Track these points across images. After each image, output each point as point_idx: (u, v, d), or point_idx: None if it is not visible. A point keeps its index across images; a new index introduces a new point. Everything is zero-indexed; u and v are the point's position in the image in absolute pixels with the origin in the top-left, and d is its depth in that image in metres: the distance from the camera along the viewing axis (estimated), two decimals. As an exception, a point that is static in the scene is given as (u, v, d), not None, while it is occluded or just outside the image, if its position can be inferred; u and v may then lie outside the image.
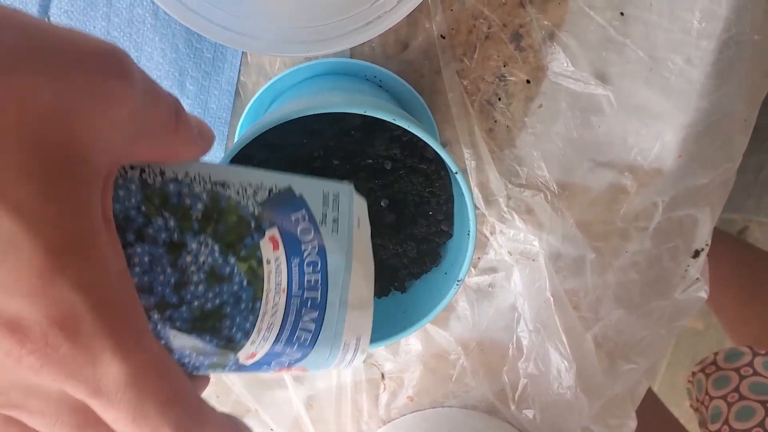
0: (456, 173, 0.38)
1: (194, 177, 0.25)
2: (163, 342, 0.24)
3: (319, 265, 0.28)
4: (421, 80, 0.49)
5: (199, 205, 0.25)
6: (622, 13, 0.47)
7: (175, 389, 0.22)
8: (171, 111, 0.24)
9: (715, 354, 0.87)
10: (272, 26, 0.38)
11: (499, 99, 0.49)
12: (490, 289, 0.54)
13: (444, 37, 0.47)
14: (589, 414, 0.57)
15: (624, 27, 0.47)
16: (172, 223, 0.24)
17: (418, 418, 0.59)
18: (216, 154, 0.49)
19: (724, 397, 0.82)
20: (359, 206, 0.31)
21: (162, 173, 0.25)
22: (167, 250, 0.24)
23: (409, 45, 0.48)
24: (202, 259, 0.25)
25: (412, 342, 0.56)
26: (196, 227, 0.25)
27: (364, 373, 0.58)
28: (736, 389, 0.81)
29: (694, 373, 0.89)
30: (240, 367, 0.27)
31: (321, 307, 0.28)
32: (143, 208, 0.24)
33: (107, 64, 0.20)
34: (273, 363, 0.28)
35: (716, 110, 0.49)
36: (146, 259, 0.24)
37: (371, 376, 0.58)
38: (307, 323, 0.28)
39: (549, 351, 0.55)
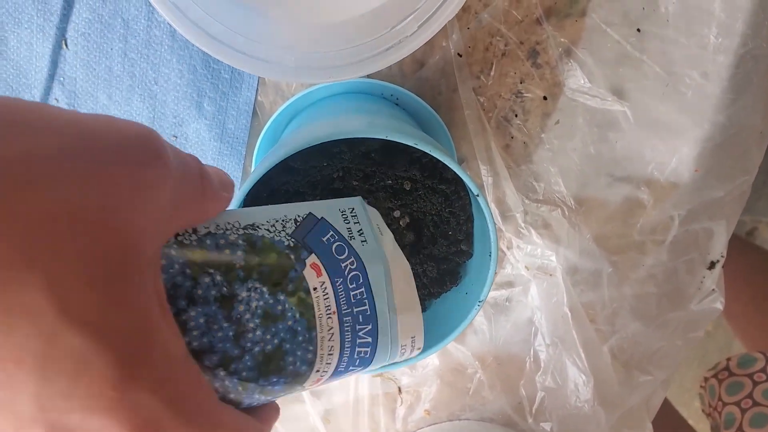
0: (477, 195, 0.38)
1: (225, 226, 0.26)
2: (232, 396, 0.25)
3: (361, 278, 0.29)
4: (438, 97, 0.49)
5: (239, 252, 0.25)
6: (638, 30, 0.47)
7: None
8: (197, 175, 0.24)
9: (728, 359, 0.87)
10: (292, 52, 0.38)
11: (516, 115, 0.49)
12: (507, 303, 0.54)
13: (461, 55, 0.47)
14: (606, 426, 0.57)
15: (641, 43, 0.47)
16: (218, 277, 0.24)
17: (435, 431, 0.59)
18: (234, 174, 0.49)
19: (737, 403, 0.82)
20: (374, 215, 0.33)
21: (195, 231, 0.25)
22: (220, 305, 0.24)
23: (425, 63, 0.48)
24: (254, 304, 0.25)
25: (429, 357, 0.56)
26: (241, 275, 0.25)
27: (381, 387, 0.58)
28: (750, 395, 0.81)
29: (706, 379, 0.89)
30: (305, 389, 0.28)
31: (372, 318, 0.29)
32: (188, 271, 0.24)
33: (145, 153, 0.21)
34: (336, 379, 0.28)
35: (733, 124, 0.49)
36: (202, 320, 0.24)
37: (388, 390, 0.58)
38: (363, 337, 0.28)
39: (566, 365, 0.55)
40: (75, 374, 0.18)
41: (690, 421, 1.03)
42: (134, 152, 0.20)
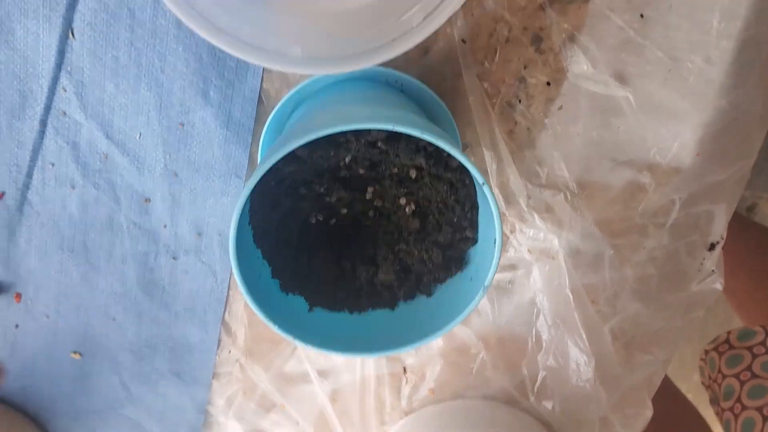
0: (483, 184, 0.38)
1: None
2: None
3: None
4: (443, 84, 0.49)
5: None
6: (642, 15, 0.47)
7: None
8: None
9: (728, 333, 0.88)
10: (298, 43, 0.38)
11: (520, 101, 0.49)
12: (509, 285, 0.55)
13: (465, 42, 0.48)
14: (607, 404, 0.58)
15: (643, 29, 0.47)
16: None
17: (439, 409, 0.61)
18: (240, 161, 0.50)
19: (736, 376, 0.83)
20: None
21: None
22: None
23: (430, 50, 0.48)
24: None
25: (433, 338, 0.57)
26: None
27: (387, 368, 0.59)
28: (749, 368, 0.82)
29: (707, 352, 0.91)
30: None
31: None
32: None
33: None
34: None
35: (734, 109, 0.50)
36: None
37: (393, 371, 0.59)
38: None
39: (568, 345, 0.56)
40: None
41: (689, 395, 1.04)
42: None
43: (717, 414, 0.87)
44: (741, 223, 1.07)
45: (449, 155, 0.43)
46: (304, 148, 0.41)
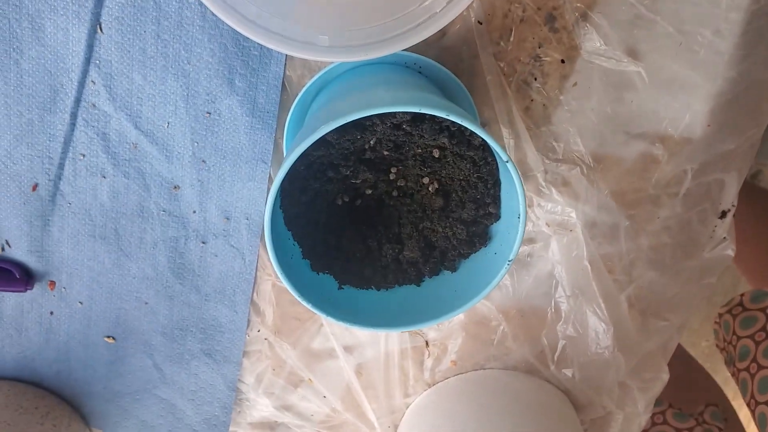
0: (507, 162, 0.40)
1: None
2: None
3: None
4: (460, 64, 0.50)
5: None
6: (652, -8, 0.48)
7: None
8: None
9: (741, 295, 0.90)
10: (325, 31, 0.40)
11: (535, 79, 0.51)
12: (528, 259, 0.57)
13: (481, 23, 0.49)
14: (625, 370, 0.60)
15: (654, 4, 0.49)
16: None
17: (461, 380, 0.62)
18: (265, 147, 0.51)
19: (751, 336, 0.85)
20: None
21: None
22: None
23: (447, 32, 0.49)
24: None
25: (455, 311, 0.59)
26: None
27: (410, 342, 0.61)
28: (763, 328, 0.84)
29: (720, 315, 0.92)
30: None
31: None
32: None
33: None
34: None
35: (744, 79, 0.51)
36: None
37: (416, 344, 0.61)
38: None
39: (586, 314, 0.58)
40: None
41: (699, 360, 1.07)
42: None
43: (733, 375, 0.89)
44: (747, 189, 1.08)
45: (471, 134, 0.44)
46: (332, 132, 0.43)
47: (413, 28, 0.39)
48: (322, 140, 0.43)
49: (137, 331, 0.59)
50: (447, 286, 0.48)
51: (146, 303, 0.57)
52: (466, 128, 0.44)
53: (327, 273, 0.48)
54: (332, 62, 0.47)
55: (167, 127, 0.51)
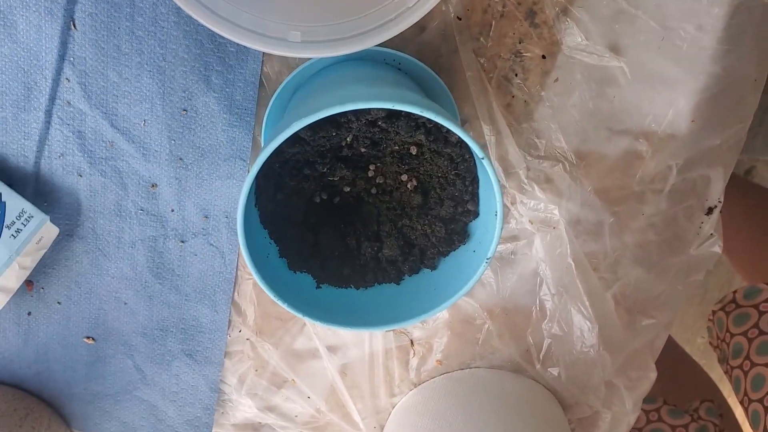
0: (482, 159, 0.39)
1: None
2: None
3: None
4: (440, 60, 0.50)
5: None
6: (633, -15, 0.48)
7: None
8: None
9: (734, 292, 0.89)
10: (297, 27, 0.39)
11: (516, 75, 0.50)
12: (512, 256, 0.56)
13: (460, 18, 0.48)
14: (612, 369, 0.60)
15: (636, -1, 0.48)
16: None
17: (447, 379, 0.62)
18: (244, 144, 0.51)
19: (744, 333, 0.84)
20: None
21: None
22: None
23: (426, 28, 0.49)
24: None
25: (439, 310, 0.58)
26: None
27: (394, 341, 0.60)
28: (756, 325, 0.84)
29: (714, 312, 0.92)
30: None
31: None
32: None
33: None
34: None
35: (728, 74, 0.50)
36: None
37: (401, 343, 0.60)
38: None
39: (571, 312, 0.57)
40: None
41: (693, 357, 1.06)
42: None
43: (726, 373, 0.88)
44: (740, 184, 1.08)
45: (449, 131, 0.44)
46: (307, 129, 0.42)
47: (387, 23, 0.39)
48: (297, 137, 0.43)
49: (117, 332, 0.58)
50: (427, 284, 0.47)
51: (125, 303, 0.57)
52: (442, 125, 0.43)
53: (304, 272, 0.47)
54: (307, 58, 0.47)
55: (144, 125, 0.50)
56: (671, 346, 1.03)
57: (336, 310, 0.46)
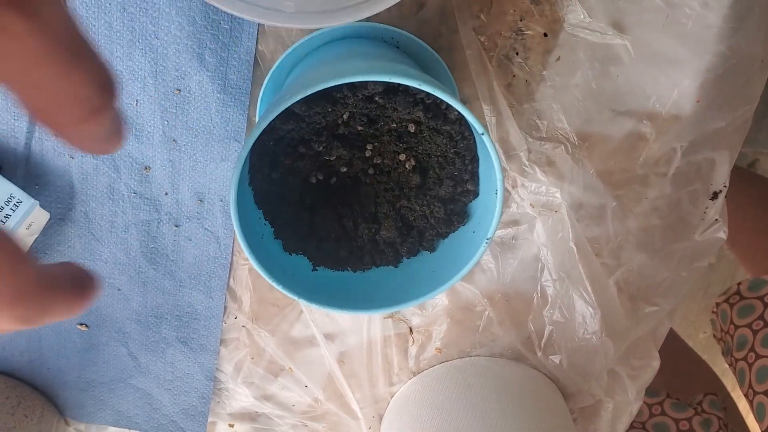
0: (482, 134, 0.38)
1: None
2: None
3: None
4: (439, 39, 0.49)
5: None
6: (637, -39, 0.47)
7: None
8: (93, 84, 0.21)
9: (738, 284, 0.88)
10: (292, -2, 0.38)
11: (517, 53, 0.49)
12: (513, 241, 0.55)
13: (459, -5, 0.47)
14: (614, 356, 0.58)
15: (640, -26, 0.47)
16: None
17: (447, 368, 0.61)
18: (239, 124, 0.49)
19: (749, 325, 0.84)
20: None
21: None
22: None
23: (425, 4, 0.47)
24: None
25: (438, 297, 0.57)
26: None
27: (393, 328, 0.59)
28: (761, 317, 0.83)
29: (717, 304, 0.91)
30: None
31: None
32: None
33: None
34: None
35: (734, 54, 0.49)
36: None
37: (400, 331, 0.59)
38: None
39: (573, 298, 0.56)
40: None
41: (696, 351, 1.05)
42: None
43: (730, 365, 0.87)
44: (744, 175, 1.07)
45: (447, 107, 0.42)
46: (301, 104, 0.41)
47: (383, -6, 0.38)
48: (291, 113, 0.41)
49: (111, 319, 0.57)
50: (426, 266, 0.46)
51: (119, 289, 0.55)
52: (441, 101, 0.42)
53: (300, 254, 0.46)
54: (304, 34, 0.46)
55: (136, 105, 0.49)
56: (674, 339, 1.02)
57: (332, 293, 0.45)
